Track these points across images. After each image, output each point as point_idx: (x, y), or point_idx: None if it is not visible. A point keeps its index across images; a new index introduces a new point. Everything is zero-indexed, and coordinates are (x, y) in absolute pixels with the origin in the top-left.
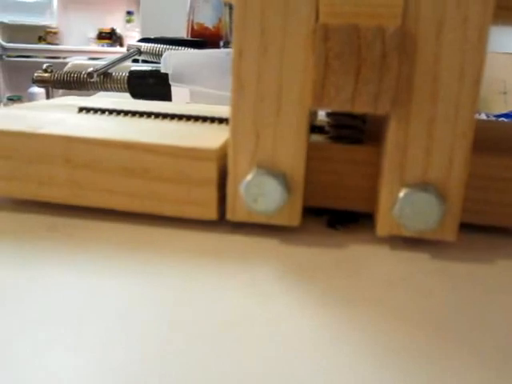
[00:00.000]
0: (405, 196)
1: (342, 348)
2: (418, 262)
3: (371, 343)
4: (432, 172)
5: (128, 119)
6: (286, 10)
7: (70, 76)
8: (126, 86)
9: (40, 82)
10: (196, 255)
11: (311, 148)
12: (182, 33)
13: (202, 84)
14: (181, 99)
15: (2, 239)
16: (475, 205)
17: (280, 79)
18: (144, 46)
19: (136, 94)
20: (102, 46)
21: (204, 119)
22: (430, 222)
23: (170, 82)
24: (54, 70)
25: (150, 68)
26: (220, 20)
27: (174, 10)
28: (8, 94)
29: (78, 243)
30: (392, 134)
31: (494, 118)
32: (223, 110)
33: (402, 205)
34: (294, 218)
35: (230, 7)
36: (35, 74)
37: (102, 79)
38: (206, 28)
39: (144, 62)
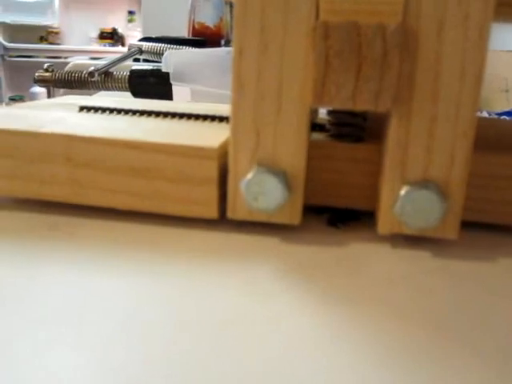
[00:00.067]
0: (406, 194)
1: (343, 347)
2: (419, 261)
3: (372, 342)
4: (433, 170)
5: (129, 118)
6: (286, 7)
7: (71, 75)
8: (127, 85)
9: (41, 81)
10: (197, 254)
11: (312, 146)
12: (184, 32)
13: (202, 83)
14: (182, 98)
15: (3, 238)
16: (476, 203)
17: (280, 77)
18: (145, 45)
19: (137, 93)
20: (104, 45)
21: (204, 118)
22: (431, 219)
23: (171, 81)
24: (55, 70)
25: (151, 67)
26: (221, 19)
27: (175, 10)
28: (10, 94)
29: (79, 242)
30: (393, 132)
31: (495, 116)
32: (224, 109)
33: (403, 203)
34: (294, 217)
35: (231, 6)
36: (36, 74)
37: (103, 78)
38: (207, 27)
39: (145, 61)
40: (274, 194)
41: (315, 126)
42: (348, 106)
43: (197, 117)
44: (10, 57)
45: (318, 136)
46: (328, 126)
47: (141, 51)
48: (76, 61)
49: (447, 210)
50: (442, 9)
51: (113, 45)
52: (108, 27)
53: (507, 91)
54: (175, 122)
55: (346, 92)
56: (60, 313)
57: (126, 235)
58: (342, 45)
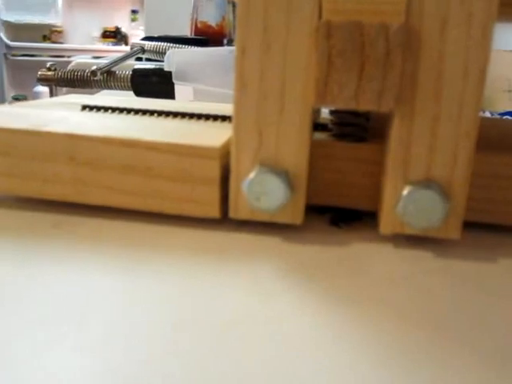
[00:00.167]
0: (408, 194)
1: (344, 346)
2: (421, 261)
3: (372, 342)
4: (436, 170)
5: (131, 117)
6: (288, 7)
7: (74, 74)
8: (129, 84)
9: (44, 80)
10: (199, 253)
11: (314, 146)
12: (186, 31)
13: (205, 82)
14: (184, 97)
15: (5, 236)
16: (479, 203)
17: (283, 77)
18: (147, 44)
19: (139, 92)
20: (107, 44)
21: (207, 117)
22: (434, 219)
23: (174, 80)
24: (58, 69)
25: (153, 66)
26: (223, 18)
27: (177, 9)
28: (13, 93)
29: (81, 241)
30: (395, 132)
31: (498, 116)
32: (226, 108)
33: (406, 202)
34: (296, 216)
35: (234, 5)
36: (39, 73)
37: (106, 77)
38: (210, 26)
39: (148, 60)
40: (276, 193)
41: (318, 126)
42: (351, 105)
43: (199, 116)
44: (13, 56)
45: (320, 136)
46: (330, 126)
47: (143, 50)
48: (78, 60)
49: (450, 210)
50: (445, 8)
51: (116, 44)
52: (111, 26)
53: (510, 91)
54: (177, 121)
55: (348, 91)
56: (60, 312)
57: (128, 234)
58: (344, 44)
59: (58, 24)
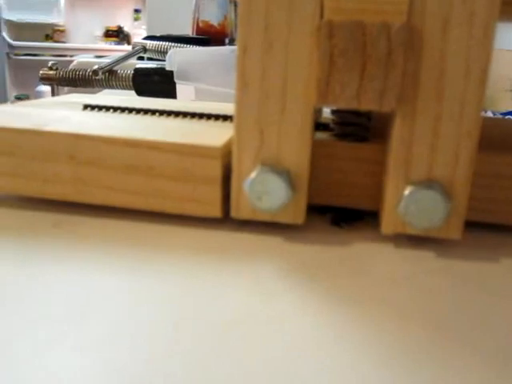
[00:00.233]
0: (410, 193)
1: (345, 346)
2: (423, 261)
3: (374, 342)
4: (437, 170)
5: (132, 117)
6: (290, 6)
7: (75, 73)
8: (131, 83)
9: (45, 79)
10: (200, 253)
11: (316, 145)
12: (188, 30)
13: (206, 81)
14: (186, 97)
15: (6, 236)
16: (481, 203)
17: (284, 76)
18: (149, 43)
19: (141, 92)
20: (110, 43)
21: (208, 117)
22: (435, 219)
23: (175, 80)
24: (60, 68)
25: (155, 65)
26: (225, 17)
27: (179, 8)
28: (15, 93)
29: (82, 240)
30: (397, 131)
31: (500, 116)
32: (228, 108)
33: (407, 202)
34: (298, 216)
35: (235, 4)
36: (41, 72)
37: (107, 77)
38: (212, 25)
39: (149, 59)
40: (277, 193)
41: (319, 126)
42: (352, 105)
43: (200, 115)
44: (16, 55)
45: (322, 135)
46: (332, 126)
47: (145, 49)
48: (80, 59)
49: (451, 210)
50: (447, 7)
51: (118, 43)
52: (113, 25)
53: None
54: (179, 120)
55: (350, 91)
56: (61, 311)
57: (129, 234)
58: (346, 44)
59: (61, 23)
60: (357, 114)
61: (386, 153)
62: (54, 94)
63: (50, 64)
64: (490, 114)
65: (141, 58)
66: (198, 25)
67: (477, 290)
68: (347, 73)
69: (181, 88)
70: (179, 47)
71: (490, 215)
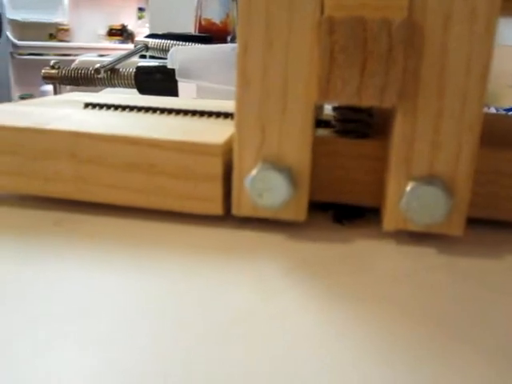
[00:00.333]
0: (411, 190)
1: (347, 344)
2: (424, 257)
3: (375, 339)
4: (439, 166)
5: (133, 115)
6: (290, 3)
7: (77, 72)
8: (133, 81)
9: (48, 78)
10: (202, 251)
11: (317, 142)
12: (191, 28)
13: (208, 79)
14: (188, 95)
15: (7, 234)
16: (483, 199)
17: (285, 73)
18: (151, 41)
19: (143, 90)
20: (114, 42)
21: (210, 114)
22: (437, 216)
23: (177, 78)
24: (62, 67)
25: (157, 64)
26: (227, 15)
27: (182, 6)
28: (19, 93)
29: (83, 238)
30: (398, 128)
31: (503, 112)
32: (229, 105)
33: (409, 199)
34: (299, 213)
35: (237, 2)
36: (43, 71)
37: (109, 75)
38: (214, 23)
39: (151, 57)
40: (278, 190)
41: (320, 123)
42: (353, 101)
43: (202, 113)
44: (20, 55)
45: (323, 132)
46: (333, 123)
47: (147, 48)
48: (82, 58)
49: (453, 206)
50: (448, 3)
51: (122, 42)
52: (117, 24)
53: None
54: (180, 118)
55: (351, 88)
56: (62, 310)
57: (129, 232)
58: (347, 40)
59: (65, 22)
60: (358, 110)
61: (388, 149)
62: (56, 92)
63: (52, 63)
64: (493, 110)
65: (143, 57)
66: (200, 23)
67: (478, 287)
68: (348, 69)
69: (183, 86)
70: (181, 45)
71: (491, 211)
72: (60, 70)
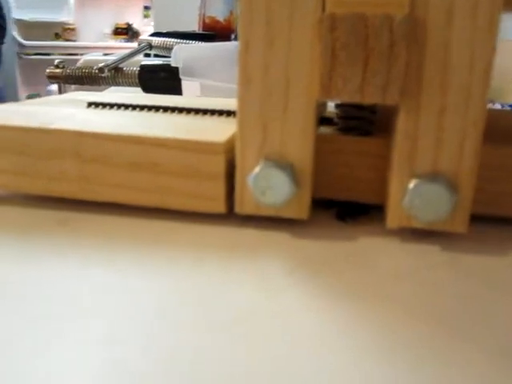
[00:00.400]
0: (415, 187)
1: (349, 343)
2: (427, 255)
3: (377, 338)
4: (442, 163)
5: (137, 113)
6: (291, 1)
7: (82, 71)
8: (137, 80)
9: (52, 77)
10: (205, 249)
11: (320, 140)
12: (195, 27)
13: (212, 77)
14: (191, 93)
15: (11, 233)
16: (486, 196)
17: (287, 71)
18: (155, 40)
19: (147, 89)
20: (120, 41)
21: (213, 112)
22: (441, 212)
23: (181, 76)
24: (66, 66)
25: (160, 62)
26: (231, 13)
27: (186, 4)
28: (26, 93)
29: (87, 238)
30: (401, 125)
31: (508, 108)
32: (233, 103)
33: (412, 196)
34: (302, 211)
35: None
36: (47, 70)
37: (114, 74)
38: (218, 21)
39: (156, 56)
40: (281, 188)
41: (323, 120)
42: (355, 98)
43: (205, 111)
44: (27, 55)
45: (325, 130)
46: (336, 120)
47: (151, 46)
48: (87, 57)
49: (456, 203)
50: None
51: (128, 40)
52: (122, 23)
53: None
54: (184, 116)
55: (353, 85)
56: (65, 309)
57: (134, 231)
58: (348, 37)
59: (71, 21)
60: (360, 108)
61: (391, 146)
62: (60, 92)
63: (56, 62)
64: (498, 106)
65: (147, 55)
66: (204, 21)
67: (481, 285)
68: (350, 66)
69: (186, 84)
70: (184, 43)
71: (495, 208)
72: (64, 70)
